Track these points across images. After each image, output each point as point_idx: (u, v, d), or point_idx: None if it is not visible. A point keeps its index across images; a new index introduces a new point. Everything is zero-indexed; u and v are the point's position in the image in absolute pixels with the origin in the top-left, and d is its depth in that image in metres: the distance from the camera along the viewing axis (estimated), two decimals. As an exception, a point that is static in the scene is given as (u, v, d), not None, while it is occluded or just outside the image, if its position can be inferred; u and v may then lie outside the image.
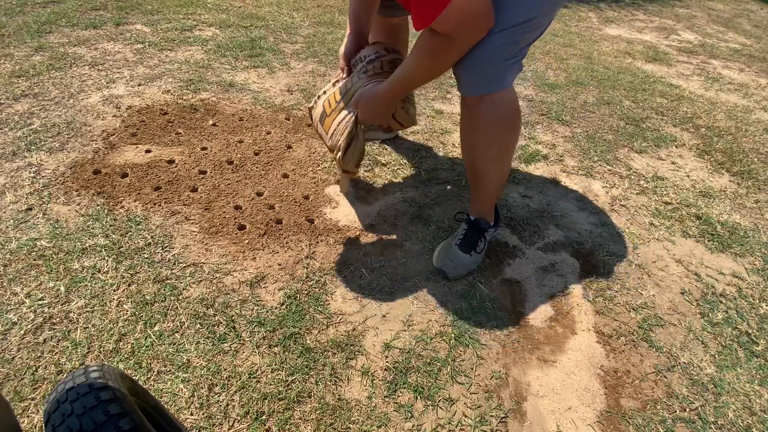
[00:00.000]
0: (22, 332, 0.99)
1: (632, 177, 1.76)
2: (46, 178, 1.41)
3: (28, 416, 0.85)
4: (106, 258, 1.17)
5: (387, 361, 1.03)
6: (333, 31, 2.77)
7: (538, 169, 1.74)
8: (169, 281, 1.14)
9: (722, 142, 2.08)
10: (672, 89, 2.59)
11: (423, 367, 1.02)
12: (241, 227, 1.32)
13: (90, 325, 1.02)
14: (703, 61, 3.16)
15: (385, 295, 1.18)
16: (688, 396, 1.02)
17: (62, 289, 1.09)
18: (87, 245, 1.20)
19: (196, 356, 0.98)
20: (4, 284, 1.09)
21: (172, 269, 1.17)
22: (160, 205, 1.36)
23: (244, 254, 1.24)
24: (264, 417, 0.90)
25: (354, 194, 1.50)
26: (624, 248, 1.41)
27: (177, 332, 1.03)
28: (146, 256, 1.19)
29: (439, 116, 2.01)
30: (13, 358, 0.94)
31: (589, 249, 1.40)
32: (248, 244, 1.27)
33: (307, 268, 1.22)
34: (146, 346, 0.99)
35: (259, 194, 1.45)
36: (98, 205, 1.33)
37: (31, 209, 1.29)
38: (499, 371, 1.04)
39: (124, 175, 1.46)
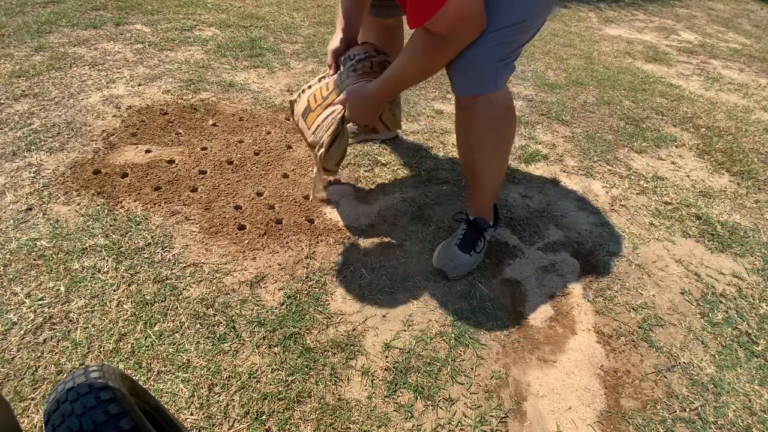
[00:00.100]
0: (22, 332, 0.99)
1: (632, 177, 1.76)
2: (46, 178, 1.41)
3: (28, 416, 0.85)
4: (106, 258, 1.17)
5: (387, 361, 1.03)
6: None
7: (538, 169, 1.74)
8: (169, 281, 1.14)
9: (722, 142, 2.08)
10: (672, 89, 2.59)
11: (423, 367, 1.02)
12: (241, 227, 1.32)
13: (90, 325, 1.02)
14: (703, 61, 3.16)
15: (385, 295, 1.18)
16: (688, 396, 1.02)
17: (62, 289, 1.09)
18: (87, 245, 1.20)
19: (196, 356, 0.98)
20: (4, 284, 1.09)
21: (172, 269, 1.17)
22: (160, 205, 1.36)
23: (244, 254, 1.24)
24: (264, 417, 0.90)
25: (354, 194, 1.50)
26: (624, 248, 1.41)
27: (177, 332, 1.03)
28: (146, 256, 1.19)
29: (439, 116, 2.01)
30: (13, 358, 0.94)
31: (589, 249, 1.40)
32: (248, 244, 1.27)
33: (307, 268, 1.22)
34: (146, 346, 0.99)
35: (259, 194, 1.45)
36: (98, 205, 1.33)
37: (31, 209, 1.29)
38: (499, 371, 1.04)
39: (124, 175, 1.46)
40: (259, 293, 1.14)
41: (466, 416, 0.94)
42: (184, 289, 1.12)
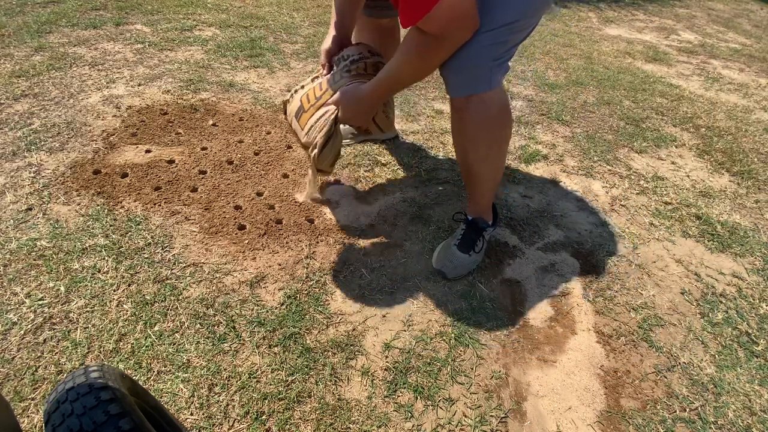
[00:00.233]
0: (22, 332, 0.99)
1: (632, 177, 1.76)
2: (46, 178, 1.41)
3: (28, 416, 0.85)
4: (106, 258, 1.17)
5: (387, 361, 1.03)
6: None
7: (538, 169, 1.74)
8: (169, 281, 1.14)
9: (722, 142, 2.08)
10: (672, 89, 2.59)
11: (423, 367, 1.02)
12: (241, 227, 1.32)
13: (90, 325, 1.02)
14: (703, 61, 3.16)
15: (385, 295, 1.18)
16: (688, 396, 1.02)
17: (62, 289, 1.09)
18: (87, 245, 1.20)
19: (196, 356, 0.98)
20: (4, 284, 1.09)
21: (172, 269, 1.17)
22: (160, 205, 1.36)
23: (244, 254, 1.24)
24: (264, 417, 0.90)
25: (354, 194, 1.50)
26: (624, 248, 1.41)
27: (177, 332, 1.03)
28: (146, 256, 1.19)
29: (439, 116, 2.01)
30: (13, 358, 0.94)
31: (589, 249, 1.40)
32: (248, 244, 1.27)
33: (307, 268, 1.22)
34: (146, 346, 0.99)
35: (259, 194, 1.45)
36: (98, 205, 1.33)
37: (31, 209, 1.29)
38: (499, 371, 1.04)
39: (124, 175, 1.46)
40: (259, 293, 1.14)
41: (466, 416, 0.94)
42: (184, 289, 1.12)
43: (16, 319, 1.01)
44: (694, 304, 1.26)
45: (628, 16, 4.13)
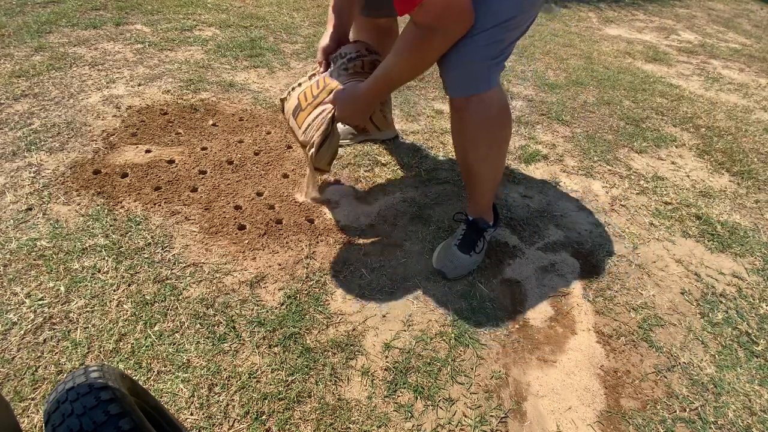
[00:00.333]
0: (22, 332, 0.99)
1: (632, 177, 1.76)
2: (46, 178, 1.41)
3: (28, 416, 0.85)
4: (106, 258, 1.17)
5: (387, 361, 1.03)
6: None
7: (538, 169, 1.74)
8: (169, 281, 1.14)
9: (722, 142, 2.08)
10: (672, 89, 2.59)
11: (423, 367, 1.02)
12: (241, 227, 1.32)
13: (90, 325, 1.02)
14: (703, 61, 3.16)
15: (385, 295, 1.18)
16: (688, 396, 1.02)
17: (62, 289, 1.09)
18: (87, 245, 1.20)
19: (196, 356, 0.98)
20: (4, 284, 1.09)
21: (172, 269, 1.17)
22: (160, 205, 1.36)
23: (244, 254, 1.24)
24: (264, 417, 0.90)
25: (354, 194, 1.50)
26: (624, 248, 1.41)
27: (177, 332, 1.03)
28: (146, 256, 1.19)
29: (439, 116, 2.01)
30: (13, 358, 0.94)
31: (589, 249, 1.40)
32: (248, 244, 1.27)
33: (307, 268, 1.22)
34: (146, 346, 0.99)
35: (259, 194, 1.45)
36: (98, 205, 1.33)
37: (31, 209, 1.29)
38: (499, 371, 1.04)
39: (124, 175, 1.46)
40: (259, 293, 1.14)
41: (466, 416, 0.94)
42: (184, 289, 1.12)
43: (16, 319, 1.01)
44: (694, 304, 1.26)
45: (628, 16, 4.13)
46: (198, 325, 1.04)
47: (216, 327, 1.05)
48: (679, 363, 1.09)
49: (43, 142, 1.56)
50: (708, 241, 1.48)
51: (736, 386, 1.05)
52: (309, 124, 1.22)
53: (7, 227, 1.23)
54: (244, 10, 2.99)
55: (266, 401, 0.92)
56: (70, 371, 0.89)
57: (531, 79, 2.50)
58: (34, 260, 1.15)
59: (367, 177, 1.58)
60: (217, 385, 0.94)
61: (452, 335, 1.10)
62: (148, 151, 1.56)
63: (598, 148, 1.92)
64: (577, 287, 1.27)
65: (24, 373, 0.92)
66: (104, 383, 0.58)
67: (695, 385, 1.05)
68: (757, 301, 1.28)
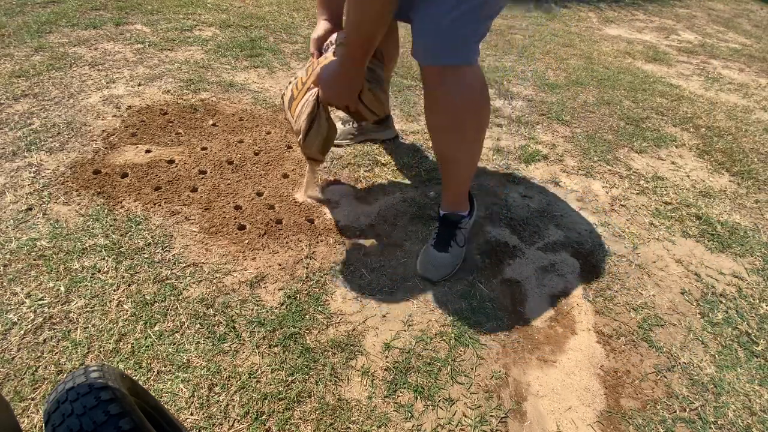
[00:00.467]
0: (22, 332, 0.99)
1: (632, 177, 1.76)
2: (46, 178, 1.41)
3: (28, 416, 0.85)
4: (106, 258, 1.17)
5: (387, 361, 1.03)
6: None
7: (538, 169, 1.74)
8: (169, 281, 1.14)
9: (722, 142, 2.08)
10: (672, 89, 2.59)
11: (423, 367, 1.02)
12: (241, 227, 1.32)
13: (90, 325, 1.02)
14: (703, 61, 3.16)
15: (385, 295, 1.18)
16: (688, 396, 1.02)
17: (62, 289, 1.09)
18: (87, 245, 1.20)
19: (196, 356, 0.98)
20: (4, 284, 1.09)
21: (172, 269, 1.17)
22: (160, 205, 1.36)
23: (244, 254, 1.24)
24: (264, 417, 0.90)
25: (354, 194, 1.50)
26: (624, 248, 1.41)
27: (177, 332, 1.03)
28: (146, 256, 1.19)
29: (439, 116, 2.01)
30: (13, 358, 0.94)
31: (589, 249, 1.40)
32: (248, 244, 1.27)
33: (307, 268, 1.22)
34: (146, 346, 0.99)
35: (259, 194, 1.45)
36: (98, 205, 1.33)
37: (31, 209, 1.29)
38: (499, 371, 1.04)
39: (124, 175, 1.46)
40: (259, 293, 1.14)
41: (466, 416, 0.94)
42: (184, 289, 1.12)
43: (16, 319, 1.01)
44: (694, 304, 1.26)
45: (628, 16, 4.13)
46: (198, 325, 1.04)
47: (216, 327, 1.05)
48: (679, 363, 1.09)
49: (43, 142, 1.56)
50: (708, 241, 1.48)
51: (736, 386, 1.05)
52: (299, 112, 1.20)
53: (7, 227, 1.23)
54: (244, 10, 2.99)
55: (266, 401, 0.92)
56: (70, 371, 0.89)
57: (531, 79, 2.50)
58: (34, 260, 1.15)
59: (367, 177, 1.58)
60: (217, 385, 0.94)
61: (452, 335, 1.10)
62: (148, 151, 1.56)
63: (598, 148, 1.92)
64: (577, 287, 1.27)
65: (24, 373, 0.92)
66: (104, 383, 0.58)
67: (695, 385, 1.05)
68: (757, 301, 1.28)
